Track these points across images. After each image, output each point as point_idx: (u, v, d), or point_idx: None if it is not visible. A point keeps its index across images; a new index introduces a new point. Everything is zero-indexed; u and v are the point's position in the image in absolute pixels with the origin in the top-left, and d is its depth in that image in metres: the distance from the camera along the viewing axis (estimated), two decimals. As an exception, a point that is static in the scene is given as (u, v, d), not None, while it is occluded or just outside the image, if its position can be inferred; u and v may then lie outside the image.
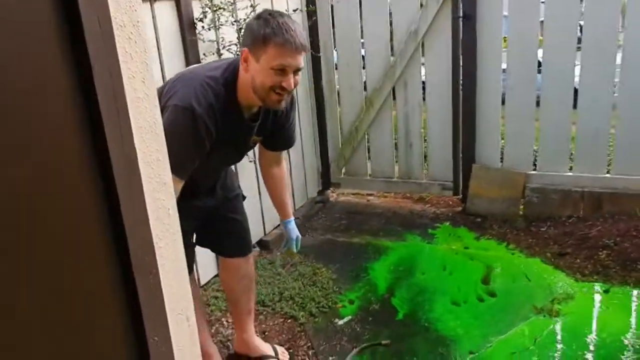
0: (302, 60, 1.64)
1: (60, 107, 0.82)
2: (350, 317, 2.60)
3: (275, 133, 1.96)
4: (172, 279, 1.12)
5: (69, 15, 0.81)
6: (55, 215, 0.82)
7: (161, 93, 1.64)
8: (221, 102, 1.66)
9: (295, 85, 1.67)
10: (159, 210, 1.06)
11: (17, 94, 0.75)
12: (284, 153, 3.68)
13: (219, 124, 1.66)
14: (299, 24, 1.66)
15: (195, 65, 1.90)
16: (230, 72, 1.70)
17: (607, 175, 3.46)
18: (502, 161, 3.75)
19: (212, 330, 2.56)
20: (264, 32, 1.58)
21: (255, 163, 3.06)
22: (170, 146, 1.03)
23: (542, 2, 3.40)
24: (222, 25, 2.80)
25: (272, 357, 2.21)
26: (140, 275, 1.00)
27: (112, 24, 0.88)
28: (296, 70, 1.64)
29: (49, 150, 0.80)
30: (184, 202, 1.58)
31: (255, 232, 3.44)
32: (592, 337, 2.30)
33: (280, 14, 1.64)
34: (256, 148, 2.15)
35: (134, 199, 0.97)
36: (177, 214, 1.12)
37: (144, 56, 0.98)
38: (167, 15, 2.54)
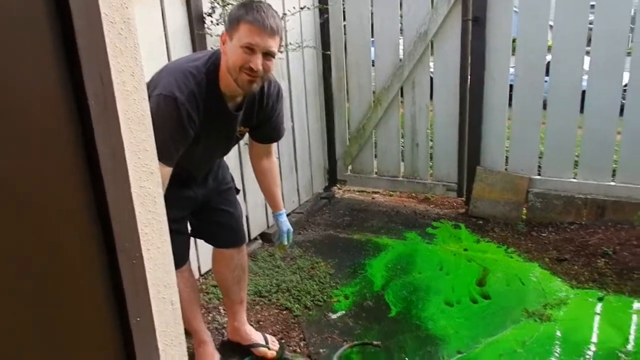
0: (273, 44, 1.67)
1: (49, 98, 0.88)
2: (343, 311, 2.65)
3: (262, 125, 2.00)
4: (156, 264, 1.17)
5: (60, 12, 0.86)
6: (42, 200, 0.88)
7: (147, 87, 1.69)
8: (203, 90, 1.71)
9: (266, 71, 1.70)
10: (144, 197, 1.11)
11: (8, 85, 0.80)
12: (290, 148, 3.76)
13: (201, 111, 1.72)
14: (276, 12, 1.71)
15: (180, 57, 1.96)
16: (213, 62, 1.75)
17: (612, 183, 3.45)
18: (507, 164, 3.76)
19: (209, 318, 2.63)
20: (238, 13, 1.67)
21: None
22: (154, 133, 1.08)
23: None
24: (231, 20, 2.85)
25: (262, 345, 2.26)
26: (124, 259, 1.05)
27: (102, 21, 0.93)
28: (266, 54, 1.68)
29: (37, 138, 0.85)
30: (175, 192, 1.65)
31: (258, 225, 3.50)
32: (581, 343, 2.31)
33: (260, 1, 1.71)
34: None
35: (120, 186, 1.02)
36: (163, 202, 1.17)
37: (134, 51, 1.03)
38: (176, 9, 2.60)
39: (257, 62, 1.66)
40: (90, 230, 0.98)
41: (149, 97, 1.61)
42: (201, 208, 2.06)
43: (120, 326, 1.07)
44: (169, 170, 1.66)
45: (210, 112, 1.75)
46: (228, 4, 2.74)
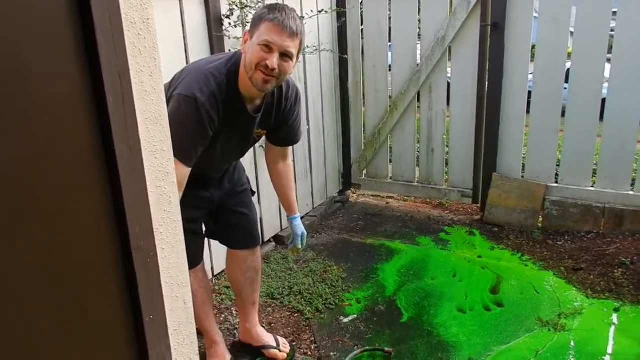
0: (292, 45, 1.68)
1: (68, 98, 0.89)
2: (355, 315, 2.64)
3: (280, 128, 2.00)
4: (170, 263, 1.18)
5: (82, 11, 0.88)
6: (59, 197, 0.89)
7: (168, 87, 1.72)
8: (223, 91, 1.73)
9: (283, 72, 1.71)
10: (160, 197, 1.12)
11: (28, 83, 0.82)
12: (305, 151, 3.76)
13: (221, 111, 1.73)
14: (298, 16, 1.73)
15: (200, 58, 1.98)
16: (233, 64, 1.77)
17: (631, 192, 3.40)
18: (523, 171, 3.72)
19: (221, 319, 2.64)
20: (261, 12, 1.71)
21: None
22: (174, 132, 1.09)
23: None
24: (248, 22, 2.87)
25: (273, 347, 2.27)
26: (139, 257, 1.06)
27: (122, 21, 0.94)
28: (284, 55, 1.69)
29: (55, 136, 0.87)
30: (192, 192, 1.66)
31: (272, 227, 3.51)
32: (596, 354, 2.27)
33: (285, 4, 1.75)
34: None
35: (136, 186, 1.03)
36: (178, 202, 1.18)
37: (153, 52, 1.04)
38: (195, 11, 2.62)
39: (274, 60, 1.66)
40: (106, 228, 0.99)
41: (170, 97, 1.64)
42: (216, 209, 2.07)
43: (134, 324, 1.08)
44: (187, 170, 1.67)
45: (230, 114, 1.76)
46: (246, 6, 2.76)
